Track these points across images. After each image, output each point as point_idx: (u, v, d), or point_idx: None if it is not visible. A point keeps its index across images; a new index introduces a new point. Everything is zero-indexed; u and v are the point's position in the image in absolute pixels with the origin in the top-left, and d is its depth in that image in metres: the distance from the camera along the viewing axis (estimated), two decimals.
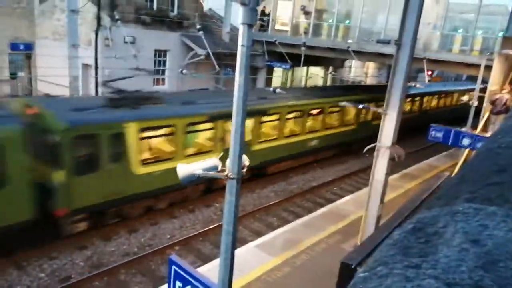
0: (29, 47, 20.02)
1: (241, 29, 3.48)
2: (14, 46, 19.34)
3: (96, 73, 17.72)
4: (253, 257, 9.77)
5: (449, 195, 1.37)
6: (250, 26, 3.49)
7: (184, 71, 17.72)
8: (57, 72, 17.10)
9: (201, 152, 13.02)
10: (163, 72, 20.88)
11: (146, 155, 11.79)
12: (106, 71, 17.70)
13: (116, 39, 17.88)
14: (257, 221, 13.31)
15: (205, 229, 12.14)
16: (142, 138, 11.38)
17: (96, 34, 17.55)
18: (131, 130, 10.93)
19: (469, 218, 0.83)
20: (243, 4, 3.39)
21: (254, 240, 10.94)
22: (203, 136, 13.46)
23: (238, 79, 3.60)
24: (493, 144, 1.74)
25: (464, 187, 1.35)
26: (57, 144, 9.75)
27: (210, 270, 8.12)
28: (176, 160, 11.53)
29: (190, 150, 12.86)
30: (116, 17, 17.60)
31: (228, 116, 12.48)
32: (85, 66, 18.27)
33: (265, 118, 15.41)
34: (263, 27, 23.64)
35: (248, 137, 14.21)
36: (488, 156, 1.69)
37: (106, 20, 17.68)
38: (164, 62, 20.72)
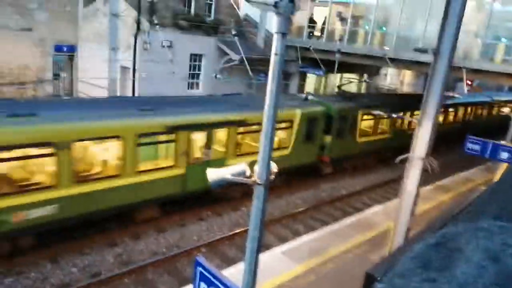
0: (72, 49, 20.90)
1: (275, 38, 3.53)
2: (58, 48, 20.23)
3: (134, 76, 18.26)
4: (278, 263, 9.74)
5: (477, 211, 1.35)
6: (283, 35, 3.53)
7: (218, 76, 17.97)
8: (96, 74, 17.76)
9: (381, 132, 20.03)
10: (197, 76, 21.25)
11: (362, 131, 18.69)
12: (143, 74, 18.21)
13: (154, 43, 18.38)
14: (284, 228, 13.26)
15: (232, 232, 12.22)
16: (362, 120, 18.28)
17: (135, 38, 18.10)
18: (359, 115, 17.92)
19: (493, 236, 0.82)
20: (278, 13, 3.43)
21: (280, 246, 10.90)
22: (382, 122, 20.11)
23: (270, 86, 3.64)
24: None
25: (493, 203, 1.32)
26: (331, 120, 16.57)
27: (234, 274, 8.16)
28: (373, 136, 19.43)
29: (378, 130, 19.79)
30: (155, 21, 18.11)
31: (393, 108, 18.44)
32: (123, 69, 18.87)
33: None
34: (319, 35, 23.76)
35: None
36: None
37: (145, 24, 18.22)
38: (199, 66, 21.08)
